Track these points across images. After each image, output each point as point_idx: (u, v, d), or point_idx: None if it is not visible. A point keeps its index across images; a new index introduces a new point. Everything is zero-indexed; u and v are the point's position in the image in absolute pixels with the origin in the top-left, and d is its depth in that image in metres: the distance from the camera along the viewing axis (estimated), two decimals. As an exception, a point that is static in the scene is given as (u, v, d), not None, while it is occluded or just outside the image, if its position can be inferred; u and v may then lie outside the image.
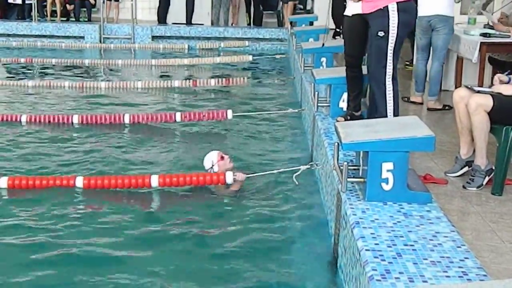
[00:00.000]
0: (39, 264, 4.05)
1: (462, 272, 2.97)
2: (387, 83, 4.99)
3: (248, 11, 16.25)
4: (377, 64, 5.01)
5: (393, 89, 5.03)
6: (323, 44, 7.80)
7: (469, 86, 4.75)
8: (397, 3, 4.89)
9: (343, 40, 6.13)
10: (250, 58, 12.49)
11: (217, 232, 4.57)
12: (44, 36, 15.20)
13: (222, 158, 5.45)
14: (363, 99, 6.08)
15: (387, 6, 4.89)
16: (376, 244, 3.26)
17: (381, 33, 4.93)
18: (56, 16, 16.45)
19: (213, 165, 5.42)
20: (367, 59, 5.26)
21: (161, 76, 11.59)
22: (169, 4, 15.96)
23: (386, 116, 4.98)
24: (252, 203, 5.10)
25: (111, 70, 12.24)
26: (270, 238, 4.47)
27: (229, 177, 5.26)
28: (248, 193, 5.31)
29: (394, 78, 5.02)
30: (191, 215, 4.87)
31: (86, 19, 16.75)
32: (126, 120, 7.64)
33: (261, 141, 7.04)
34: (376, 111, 5.08)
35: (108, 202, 5.13)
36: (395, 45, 4.95)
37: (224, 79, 10.48)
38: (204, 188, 5.38)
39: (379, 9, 4.93)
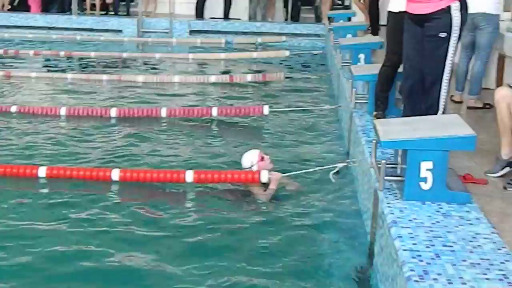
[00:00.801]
0: (76, 255, 4.10)
1: (503, 275, 2.90)
2: (443, 84, 4.80)
3: (285, 6, 16.18)
4: (436, 65, 4.80)
5: (448, 90, 4.87)
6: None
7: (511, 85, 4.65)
8: (460, 2, 4.67)
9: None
10: (287, 53, 12.43)
11: (250, 230, 4.55)
12: (84, 30, 15.35)
13: (262, 158, 5.28)
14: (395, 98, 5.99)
15: (449, 6, 4.65)
16: (414, 244, 3.21)
17: (442, 34, 4.68)
18: (95, 10, 16.58)
19: (252, 165, 5.27)
20: (421, 60, 5.02)
21: (198, 71, 11.62)
22: (206, -1, 15.99)
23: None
24: (287, 201, 5.08)
25: (148, 64, 12.31)
26: (304, 236, 4.45)
27: (265, 176, 5.14)
28: (283, 191, 5.25)
29: (450, 78, 4.87)
30: (223, 214, 4.85)
31: (125, 13, 16.86)
32: (163, 114, 7.67)
33: (296, 138, 7.00)
34: (426, 110, 4.87)
35: (142, 196, 5.15)
36: (456, 44, 4.77)
37: (260, 74, 10.46)
38: (239, 186, 5.33)
39: (441, 9, 4.68)
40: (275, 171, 5.28)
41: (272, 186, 5.12)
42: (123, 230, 4.49)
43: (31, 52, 12.91)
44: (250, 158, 5.31)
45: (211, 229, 4.53)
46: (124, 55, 12.77)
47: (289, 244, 4.33)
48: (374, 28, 12.10)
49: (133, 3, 17.12)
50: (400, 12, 5.31)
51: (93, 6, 16.61)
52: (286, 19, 16.12)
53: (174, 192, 5.30)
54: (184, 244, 4.29)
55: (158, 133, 7.09)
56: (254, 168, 5.24)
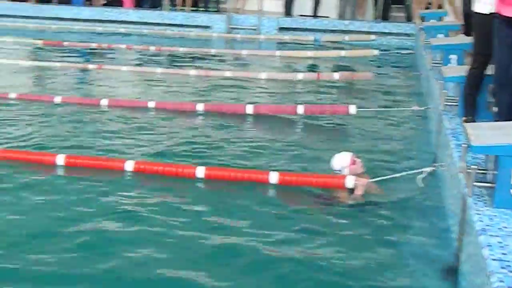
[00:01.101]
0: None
1: None
2: None
3: (375, 4, 15.95)
4: None
5: None
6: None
7: None
8: None
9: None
10: (376, 52, 12.25)
11: (331, 235, 4.48)
12: (174, 25, 15.64)
13: (354, 162, 5.16)
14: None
15: None
16: (503, 254, 3.10)
17: None
18: (186, 6, 16.86)
19: (342, 169, 5.16)
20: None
21: (285, 68, 11.62)
22: (296, -4, 15.98)
23: None
24: (372, 206, 4.96)
25: (236, 60, 12.41)
26: (388, 241, 4.37)
27: (350, 181, 5.03)
28: (369, 196, 5.09)
29: None
30: (306, 217, 4.79)
31: (215, 10, 17.06)
32: (249, 111, 7.70)
33: (383, 139, 6.87)
34: None
35: (227, 194, 5.17)
36: None
37: (348, 73, 10.35)
38: (324, 189, 5.22)
39: None
40: (364, 174, 5.16)
41: (358, 192, 5.00)
42: (204, 228, 4.53)
43: (123, 46, 13.27)
44: (341, 161, 5.19)
45: (289, 234, 4.47)
46: (212, 51, 12.92)
47: (372, 248, 4.26)
48: (467, 28, 11.73)
49: (223, 0, 17.32)
50: (490, 13, 5.12)
51: (183, 2, 16.89)
52: (375, 18, 15.90)
53: (256, 192, 5.25)
54: (264, 248, 4.26)
55: (243, 130, 7.13)
56: (345, 172, 5.12)
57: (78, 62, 11.47)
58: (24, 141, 6.36)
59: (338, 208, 4.97)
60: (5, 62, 11.15)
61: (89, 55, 12.71)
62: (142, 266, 3.91)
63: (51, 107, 7.88)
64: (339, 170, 5.17)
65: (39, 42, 13.52)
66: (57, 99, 8.13)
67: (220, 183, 5.34)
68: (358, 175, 5.10)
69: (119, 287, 3.76)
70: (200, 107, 7.83)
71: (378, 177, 5.20)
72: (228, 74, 10.39)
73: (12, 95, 8.25)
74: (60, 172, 5.53)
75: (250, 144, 6.56)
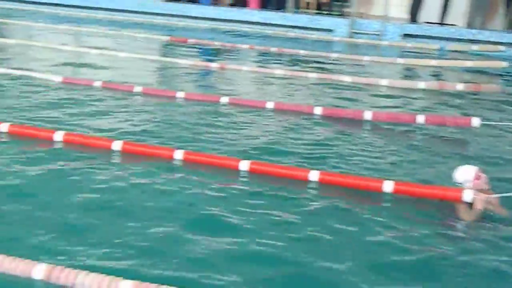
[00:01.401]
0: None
1: None
2: None
3: (506, 13, 15.30)
4: None
5: None
6: None
7: None
8: None
9: None
10: (504, 64, 11.73)
11: (448, 252, 4.32)
12: (296, 27, 15.70)
13: (478, 177, 4.92)
14: None
15: None
16: None
17: None
18: (309, 8, 16.89)
19: (465, 182, 4.93)
20: None
21: (407, 76, 11.36)
22: (422, 2, 15.59)
23: None
24: (492, 224, 4.73)
25: (356, 65, 12.27)
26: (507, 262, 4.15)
27: (468, 196, 4.80)
28: (490, 213, 4.85)
29: None
30: (419, 229, 4.64)
31: (339, 13, 16.98)
32: (367, 117, 7.59)
33: (506, 155, 6.55)
34: None
35: (338, 199, 5.10)
36: None
37: (473, 84, 9.98)
38: (439, 202, 5.03)
39: None
40: (489, 191, 4.92)
41: (478, 207, 4.76)
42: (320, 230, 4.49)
43: (245, 46, 13.46)
44: (465, 174, 4.96)
45: (401, 246, 4.35)
46: (333, 55, 12.84)
47: (488, 268, 4.07)
48: None
49: (347, 3, 17.19)
50: None
51: (307, 5, 16.92)
52: (507, 28, 15.24)
53: (368, 200, 5.16)
54: (369, 260, 4.19)
55: (360, 136, 7.02)
56: (467, 185, 4.91)
57: (201, 60, 11.75)
58: (144, 134, 6.55)
59: (453, 222, 4.79)
60: (133, 56, 11.59)
61: (212, 53, 12.99)
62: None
63: (173, 102, 8.10)
64: (462, 183, 4.96)
65: (166, 39, 13.98)
66: (180, 94, 8.35)
67: (331, 188, 5.27)
68: (482, 191, 4.85)
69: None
70: (317, 110, 7.79)
71: (500, 193, 4.94)
72: (347, 79, 10.29)
73: (138, 88, 8.55)
74: (177, 166, 5.64)
75: (366, 150, 6.45)
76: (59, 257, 3.81)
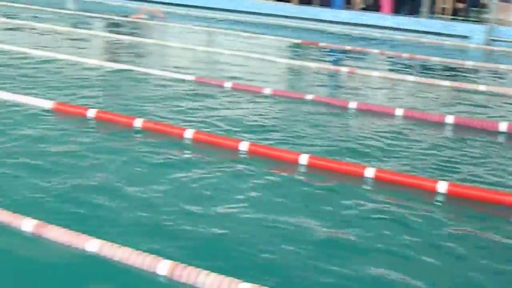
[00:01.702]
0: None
1: None
2: None
3: None
4: None
5: None
6: None
7: None
8: None
9: None
10: None
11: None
12: (430, 33, 15.31)
13: None
14: None
15: None
16: None
17: None
18: (444, 14, 16.43)
19: None
20: None
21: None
22: None
23: None
24: None
25: (492, 73, 11.78)
26: None
27: None
28: None
29: None
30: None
31: (475, 19, 16.40)
32: (502, 128, 7.26)
33: None
34: None
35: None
36: None
37: None
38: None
39: None
40: None
41: None
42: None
43: (376, 50, 13.29)
44: None
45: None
46: (469, 63, 12.40)
47: None
48: None
49: (485, 9, 16.56)
50: None
51: (443, 10, 16.46)
52: None
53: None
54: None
55: (493, 149, 6.72)
56: None
57: (331, 63, 11.72)
58: (269, 135, 6.62)
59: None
60: (265, 58, 11.77)
61: (342, 57, 12.93)
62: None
63: (301, 104, 8.13)
64: None
65: (298, 42, 14.07)
66: (308, 97, 8.38)
67: (461, 202, 5.09)
68: None
69: None
70: (449, 119, 7.55)
71: None
72: (482, 88, 9.91)
73: (267, 90, 8.66)
74: (301, 171, 5.63)
75: (502, 165, 6.15)
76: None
